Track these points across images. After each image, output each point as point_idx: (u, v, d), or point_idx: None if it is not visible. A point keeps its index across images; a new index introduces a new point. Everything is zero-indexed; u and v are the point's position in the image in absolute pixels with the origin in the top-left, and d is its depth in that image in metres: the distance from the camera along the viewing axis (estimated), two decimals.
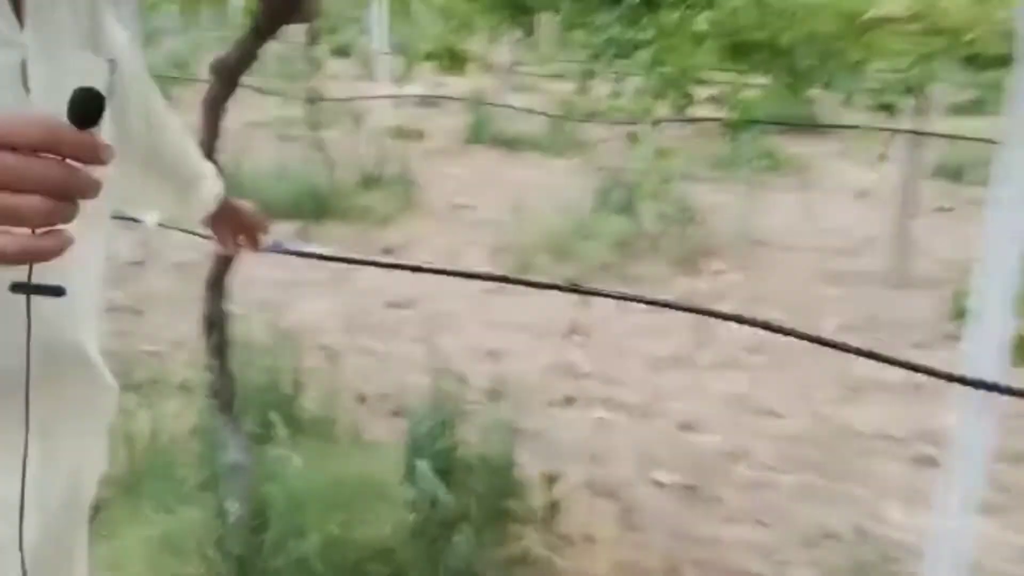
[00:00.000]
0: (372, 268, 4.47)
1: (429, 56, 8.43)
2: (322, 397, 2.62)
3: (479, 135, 8.18)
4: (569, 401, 3.18)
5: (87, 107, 0.51)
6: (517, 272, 4.45)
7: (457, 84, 11.08)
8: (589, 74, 8.00)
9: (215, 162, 1.67)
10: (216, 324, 1.79)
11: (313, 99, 5.36)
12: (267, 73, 11.51)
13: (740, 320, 1.70)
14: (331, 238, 4.86)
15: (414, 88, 11.05)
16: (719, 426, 3.07)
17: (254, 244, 1.49)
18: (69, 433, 0.84)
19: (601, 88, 7.14)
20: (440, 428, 2.12)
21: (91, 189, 0.53)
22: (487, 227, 5.21)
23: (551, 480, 2.26)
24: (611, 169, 5.42)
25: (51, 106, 0.62)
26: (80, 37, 0.81)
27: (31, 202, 0.49)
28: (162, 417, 2.30)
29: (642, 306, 4.14)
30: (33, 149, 0.50)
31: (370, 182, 5.61)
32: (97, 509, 2.01)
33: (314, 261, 4.43)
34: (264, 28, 1.50)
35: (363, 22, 11.77)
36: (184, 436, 2.16)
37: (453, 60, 8.14)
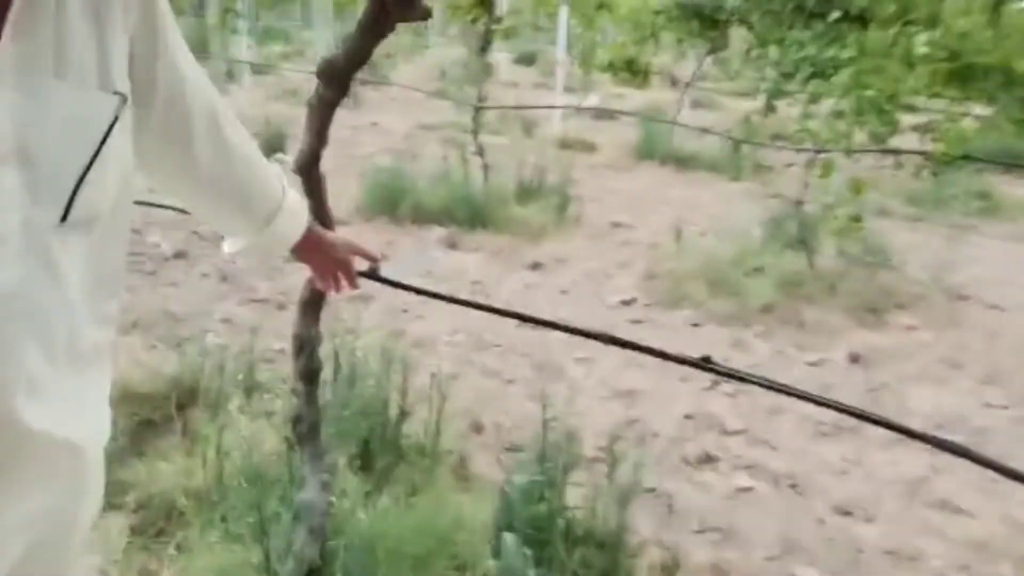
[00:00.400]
0: (517, 278, 4.30)
1: (609, 67, 8.22)
2: (432, 423, 2.44)
3: (651, 151, 7.83)
4: (707, 461, 2.80)
5: None
6: (669, 303, 4.10)
7: (636, 97, 10.81)
8: (777, 93, 7.42)
9: (316, 174, 1.51)
10: (306, 347, 1.64)
11: (480, 105, 5.26)
12: (448, 79, 11.84)
13: (814, 400, 1.31)
14: (480, 247, 4.74)
15: (591, 99, 10.89)
16: (884, 516, 2.59)
17: (349, 281, 1.32)
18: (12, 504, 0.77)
19: (789, 109, 6.57)
20: (541, 487, 1.86)
21: None
22: (643, 249, 4.88)
23: (671, 570, 1.94)
24: (789, 198, 4.91)
25: (17, 141, 0.68)
26: (82, 70, 0.75)
27: None
28: (263, 428, 2.21)
29: (806, 355, 3.67)
30: None
31: (528, 193, 5.44)
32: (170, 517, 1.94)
33: (453, 269, 4.32)
34: (373, 27, 1.31)
35: (551, 31, 11.76)
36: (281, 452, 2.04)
37: (633, 72, 7.86)
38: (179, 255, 4.34)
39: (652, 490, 2.57)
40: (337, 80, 1.41)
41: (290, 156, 5.54)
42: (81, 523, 0.90)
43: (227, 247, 1.15)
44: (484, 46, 5.24)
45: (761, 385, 1.27)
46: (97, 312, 0.83)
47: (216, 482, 1.84)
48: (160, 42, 0.86)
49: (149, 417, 2.47)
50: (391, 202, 5.09)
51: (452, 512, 1.95)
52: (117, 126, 0.77)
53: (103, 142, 0.75)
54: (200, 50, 8.60)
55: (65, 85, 0.73)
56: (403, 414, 2.30)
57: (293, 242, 1.16)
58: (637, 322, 3.88)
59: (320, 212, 1.54)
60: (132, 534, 1.91)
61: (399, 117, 8.98)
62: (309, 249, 1.22)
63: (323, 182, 1.54)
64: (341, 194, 5.48)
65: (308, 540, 1.55)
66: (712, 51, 8.84)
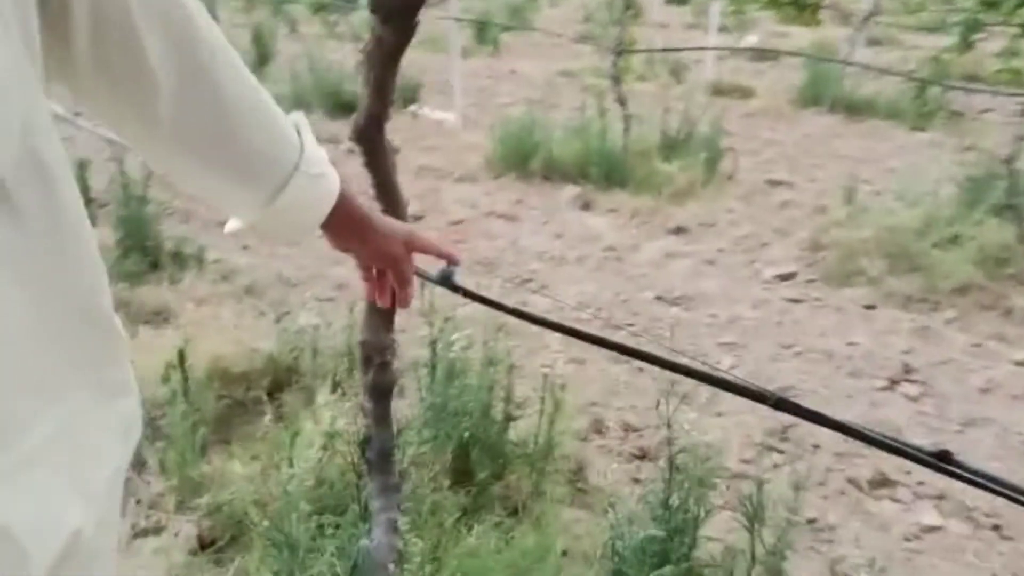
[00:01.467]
0: (657, 245, 3.84)
1: (771, 2, 7.36)
2: (544, 425, 2.08)
3: (818, 95, 6.95)
4: (882, 486, 2.29)
5: None
6: (837, 278, 3.50)
7: (801, 35, 9.73)
8: (975, 26, 6.33)
9: (379, 142, 1.16)
10: (375, 357, 1.32)
11: (620, 50, 4.74)
12: (594, 21, 11.19)
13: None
14: (616, 208, 4.28)
15: (750, 39, 9.92)
16: None
17: (399, 285, 0.95)
18: None
19: (988, 45, 5.53)
20: (663, 544, 1.47)
21: None
22: (806, 212, 4.25)
23: None
24: (991, 152, 4.10)
25: None
26: None
27: None
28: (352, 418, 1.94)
29: (1013, 351, 3.00)
30: None
31: (673, 146, 4.89)
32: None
33: (585, 233, 3.91)
34: None
35: None
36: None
37: (799, 7, 6.99)
38: None
39: (812, 522, 2.11)
40: (398, 17, 1.04)
41: (427, 108, 5.23)
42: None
43: (228, 226, 0.82)
44: None
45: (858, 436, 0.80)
46: (45, 363, 0.53)
47: (283, 500, 1.58)
48: None
49: (240, 399, 2.27)
50: (522, 157, 4.71)
51: (548, 547, 1.60)
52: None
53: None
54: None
55: None
56: (508, 416, 1.96)
57: (315, 221, 0.81)
58: (795, 301, 3.32)
59: (387, 193, 1.19)
60: (198, 548, 1.70)
61: (540, 64, 8.52)
62: (349, 235, 0.86)
63: (390, 154, 1.18)
64: (471, 148, 5.18)
65: None
66: None
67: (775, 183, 4.75)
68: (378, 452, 1.37)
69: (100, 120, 0.70)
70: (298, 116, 0.83)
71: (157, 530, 1.83)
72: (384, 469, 1.37)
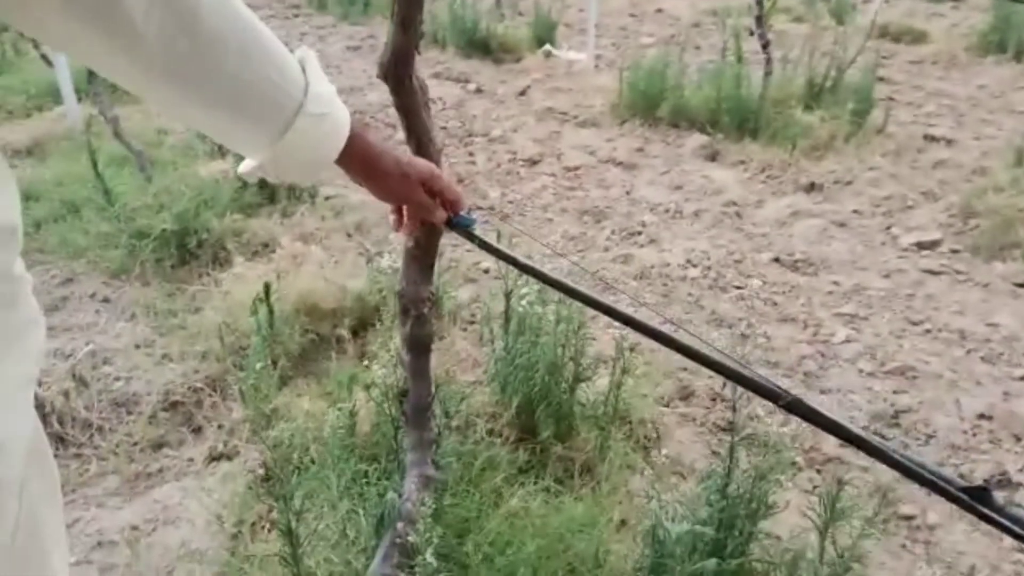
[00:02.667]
0: (784, 203, 3.57)
1: None
2: (624, 388, 1.98)
3: (1002, 40, 6.15)
4: (1004, 486, 2.03)
5: None
6: (987, 251, 3.11)
7: None
8: None
9: (407, 80, 1.09)
10: (412, 309, 1.28)
11: None
12: None
13: None
14: (745, 160, 4.00)
15: None
16: None
17: (412, 223, 0.94)
18: None
19: None
20: (720, 508, 1.35)
21: None
22: (962, 174, 3.80)
23: None
24: None
25: None
26: None
27: None
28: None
29: None
30: None
31: (819, 95, 4.48)
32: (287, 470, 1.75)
33: (707, 186, 3.69)
34: None
35: None
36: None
37: None
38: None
39: (909, 519, 1.91)
40: None
41: (563, 50, 5.07)
42: None
43: (241, 166, 0.82)
44: None
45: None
46: None
47: (333, 440, 1.60)
48: None
49: (325, 335, 2.32)
50: (650, 102, 4.48)
51: (623, 508, 1.52)
52: None
53: None
54: None
55: None
56: (578, 376, 1.88)
57: (325, 160, 0.80)
58: (933, 273, 2.99)
59: (415, 130, 1.13)
60: (263, 478, 1.77)
61: (689, 1, 8.06)
62: (362, 173, 0.85)
63: (420, 91, 1.11)
64: (599, 91, 4.99)
65: (388, 553, 1.23)
66: None
67: (933, 139, 4.27)
68: (414, 406, 1.34)
69: (74, 57, 0.68)
70: (304, 52, 0.79)
71: (230, 456, 1.92)
72: (419, 423, 1.34)
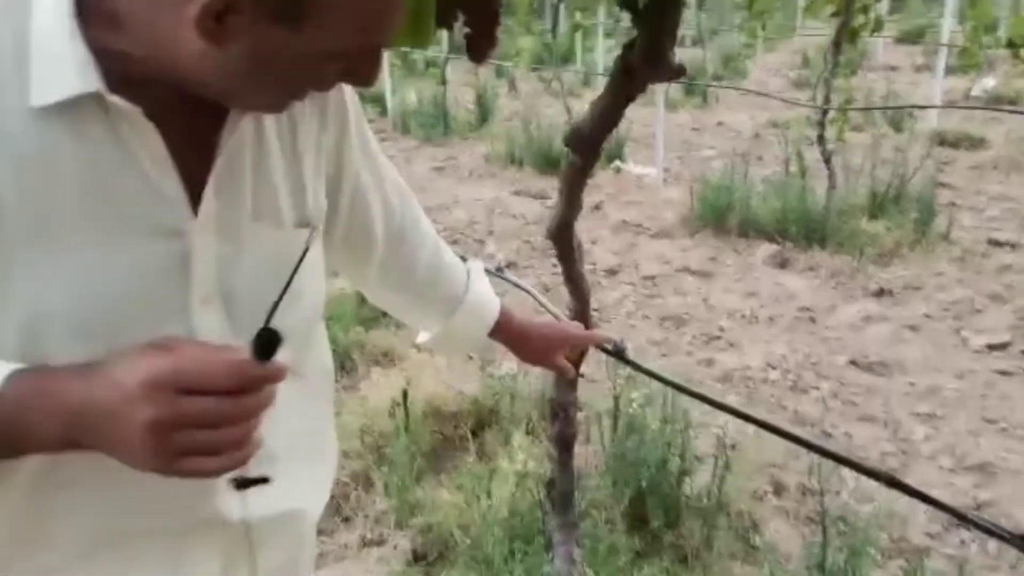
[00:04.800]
0: (856, 308, 3.80)
1: (1009, 45, 6.89)
2: (723, 480, 2.22)
3: None
4: None
5: (268, 346, 0.61)
6: None
7: None
8: None
9: (568, 239, 1.43)
10: (561, 412, 1.58)
11: (826, 107, 4.73)
12: (812, 66, 10.91)
13: None
14: (815, 268, 4.27)
15: (985, 83, 9.21)
16: None
17: (561, 370, 1.26)
18: None
19: None
20: None
21: (270, 403, 0.64)
22: None
23: None
24: None
25: (219, 285, 0.73)
26: (279, 209, 0.78)
27: (230, 435, 0.62)
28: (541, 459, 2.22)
29: None
30: (223, 390, 0.60)
31: (883, 203, 4.76)
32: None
33: (780, 292, 3.95)
34: (621, 91, 1.19)
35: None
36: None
37: None
38: (509, 265, 4.60)
39: None
40: (587, 146, 1.31)
41: (631, 165, 5.50)
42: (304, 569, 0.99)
43: (419, 338, 1.18)
44: (838, 38, 4.67)
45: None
46: (307, 405, 0.89)
47: (483, 526, 1.88)
48: (347, 155, 0.88)
49: (449, 435, 2.63)
50: (719, 213, 4.83)
51: None
52: (308, 256, 0.78)
53: (294, 273, 0.76)
54: (558, 62, 9.01)
55: (261, 225, 0.76)
56: (683, 471, 2.13)
57: (479, 336, 1.14)
58: (1005, 374, 3.16)
59: (573, 281, 1.47)
60: (413, 560, 2.05)
61: (749, 114, 8.52)
62: (510, 344, 1.18)
63: (577, 249, 1.45)
64: (669, 204, 5.37)
65: None
66: None
67: (996, 244, 4.47)
68: (560, 494, 1.63)
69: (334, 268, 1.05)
70: (474, 264, 1.17)
71: (380, 542, 2.21)
72: (564, 509, 1.62)
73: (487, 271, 1.19)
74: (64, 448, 0.64)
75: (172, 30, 0.59)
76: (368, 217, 0.93)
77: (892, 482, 1.04)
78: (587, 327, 1.46)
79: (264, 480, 0.75)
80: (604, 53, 11.52)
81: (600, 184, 6.15)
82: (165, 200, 0.68)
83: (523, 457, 2.14)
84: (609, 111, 1.26)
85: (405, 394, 2.40)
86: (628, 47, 1.13)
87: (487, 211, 5.57)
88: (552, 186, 6.22)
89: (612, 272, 4.42)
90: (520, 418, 2.60)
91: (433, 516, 2.12)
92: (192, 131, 0.69)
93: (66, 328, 0.66)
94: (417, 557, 2.06)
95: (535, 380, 2.80)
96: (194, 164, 0.69)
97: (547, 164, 6.52)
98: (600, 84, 10.51)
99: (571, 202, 1.39)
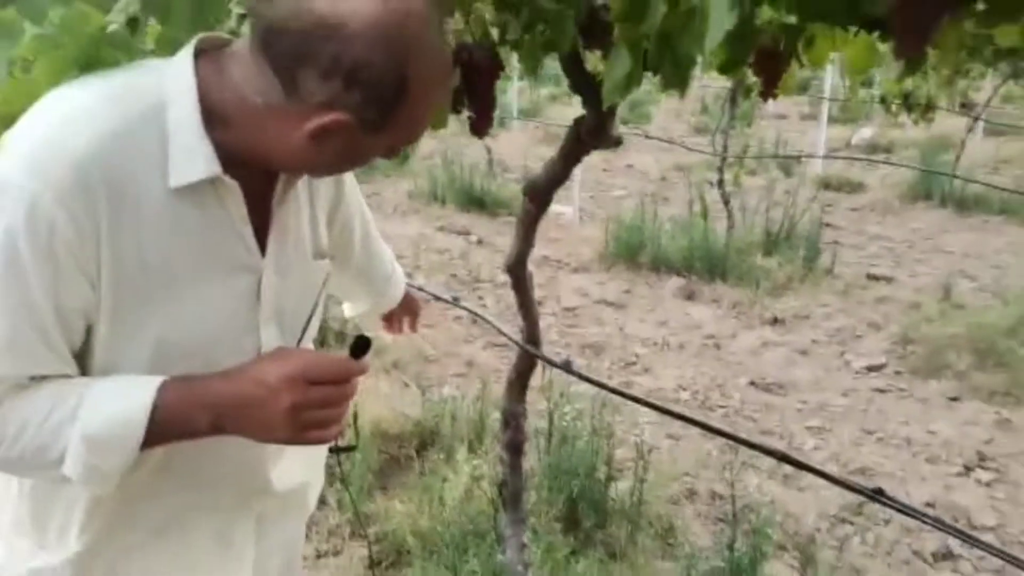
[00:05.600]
0: (754, 335, 4.21)
1: (881, 102, 7.66)
2: (644, 487, 2.51)
3: (928, 189, 7.12)
4: (946, 558, 2.56)
5: (362, 348, 0.87)
6: (925, 371, 3.76)
7: (920, 126, 9.84)
8: None
9: (522, 273, 1.71)
10: (512, 420, 1.83)
11: (723, 155, 5.23)
12: (710, 113, 11.70)
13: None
14: (718, 299, 4.69)
15: (864, 132, 10.15)
16: None
17: (412, 327, 1.58)
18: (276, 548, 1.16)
19: None
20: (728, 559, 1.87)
21: (357, 390, 0.89)
22: (902, 307, 4.51)
23: None
24: None
25: (275, 307, 0.96)
26: (306, 246, 1.02)
27: (337, 413, 0.87)
28: (484, 471, 2.45)
29: None
30: (335, 381, 0.85)
31: (775, 241, 5.27)
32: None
33: (688, 322, 4.33)
34: (570, 154, 1.48)
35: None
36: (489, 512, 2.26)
37: (909, 108, 7.27)
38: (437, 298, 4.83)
39: None
40: (540, 197, 1.59)
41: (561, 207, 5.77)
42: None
43: (348, 310, 1.48)
44: (734, 94, 5.20)
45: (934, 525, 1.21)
46: None
47: (435, 530, 2.10)
48: (342, 198, 1.15)
49: (395, 455, 2.83)
50: (632, 250, 5.22)
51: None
52: (327, 281, 1.06)
53: (319, 294, 1.05)
54: None
55: (297, 259, 0.99)
56: (609, 477, 2.41)
57: (396, 303, 1.48)
58: (882, 391, 3.61)
59: (526, 306, 1.74)
60: (370, 565, 2.24)
61: (655, 157, 9.09)
62: (405, 304, 1.52)
63: (528, 280, 1.73)
64: (586, 241, 5.74)
65: None
66: (1015, 76, 7.84)
67: (874, 278, 5.03)
68: (511, 493, 1.87)
69: None
70: (389, 250, 1.45)
71: (336, 552, 2.38)
72: (515, 506, 1.86)
73: (441, 299, 1.50)
74: (209, 434, 0.86)
75: (278, 134, 0.81)
76: (351, 234, 1.20)
77: (784, 458, 1.34)
78: (537, 346, 1.74)
79: (352, 448, 1.10)
80: (517, 96, 12.03)
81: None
82: (246, 247, 0.91)
83: (468, 469, 2.37)
84: (559, 170, 1.55)
85: (355, 415, 2.60)
86: (578, 121, 1.42)
87: (413, 246, 5.79)
88: (474, 222, 6.52)
89: (536, 304, 4.71)
90: (461, 436, 2.83)
91: (387, 525, 2.32)
92: (258, 194, 0.92)
93: (182, 347, 0.88)
94: (374, 563, 2.26)
95: (472, 402, 3.04)
96: (260, 220, 0.92)
97: (469, 201, 6.81)
98: (515, 126, 11.00)
99: (526, 241, 1.67)
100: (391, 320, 1.53)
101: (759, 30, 0.85)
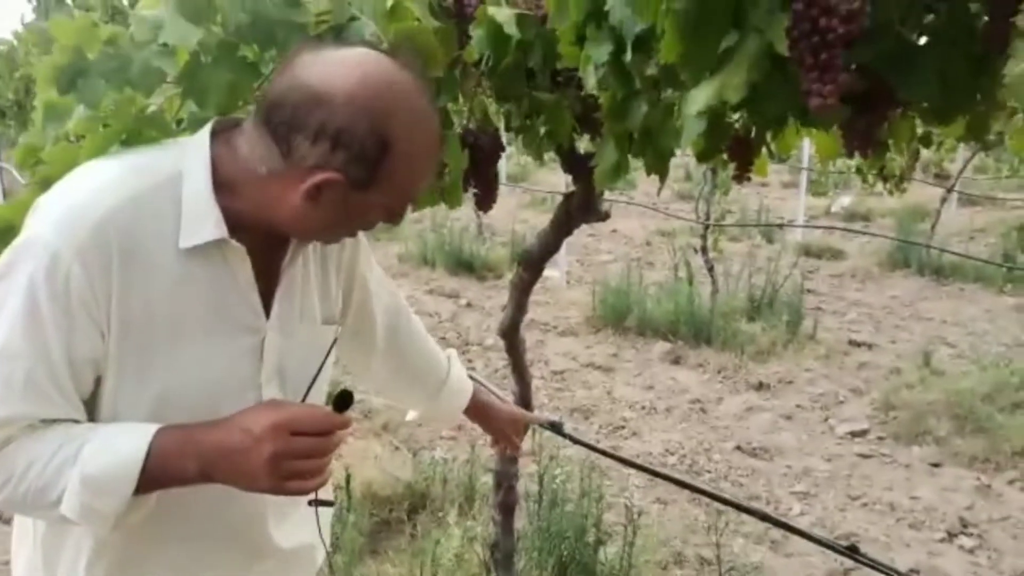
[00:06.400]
0: (740, 399, 4.28)
1: (857, 172, 7.90)
2: (633, 551, 2.54)
3: (907, 258, 7.30)
4: None
5: (345, 402, 0.91)
6: (906, 437, 3.83)
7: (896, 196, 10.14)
8: None
9: (515, 338, 1.78)
10: (504, 482, 1.88)
11: (706, 223, 5.38)
12: (694, 180, 11.98)
13: None
14: (703, 364, 4.77)
15: (842, 200, 10.43)
16: None
17: (511, 447, 1.55)
18: None
19: None
20: None
21: (341, 443, 0.93)
22: (883, 373, 4.60)
23: None
24: None
25: (278, 366, 1.00)
26: (315, 311, 1.07)
27: (318, 464, 0.90)
28: (477, 533, 2.48)
29: None
30: (318, 433, 0.88)
31: (759, 307, 5.38)
32: None
33: (674, 386, 4.40)
34: (561, 227, 1.57)
35: None
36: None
37: (884, 178, 7.50)
38: None
39: None
40: (533, 266, 1.69)
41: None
42: None
43: (408, 416, 1.49)
44: (715, 166, 5.38)
45: None
46: None
47: None
48: (358, 271, 1.20)
49: (386, 518, 2.85)
50: (619, 315, 5.31)
51: None
52: (335, 344, 1.09)
53: (326, 357, 1.08)
54: None
55: (305, 323, 1.05)
56: (599, 540, 2.44)
57: (458, 412, 1.45)
58: (865, 457, 3.67)
59: (519, 370, 1.81)
60: None
61: (639, 222, 9.28)
62: (478, 416, 1.50)
63: (522, 345, 1.80)
64: (573, 304, 5.84)
65: None
66: (986, 148, 8.15)
67: (855, 344, 5.13)
68: (503, 554, 1.90)
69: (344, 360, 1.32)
70: (452, 352, 1.47)
71: None
72: (507, 567, 1.90)
73: None
74: (199, 481, 0.90)
75: (279, 197, 0.89)
76: (371, 314, 1.24)
77: (765, 517, 1.40)
78: (529, 408, 1.81)
79: (331, 503, 1.02)
80: (506, 161, 12.30)
81: (508, 285, 6.58)
82: (251, 307, 0.97)
83: (459, 531, 2.40)
84: (551, 240, 1.65)
85: (348, 478, 2.63)
86: (568, 197, 1.53)
87: None
88: (463, 286, 6.61)
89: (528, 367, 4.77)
90: (452, 499, 2.85)
91: None
92: (268, 261, 0.98)
93: (184, 400, 0.93)
94: None
95: (462, 466, 3.08)
96: (266, 283, 0.98)
97: (458, 265, 6.92)
98: (503, 191, 11.20)
99: (519, 307, 1.76)
100: (497, 440, 1.55)
101: (731, 124, 0.95)
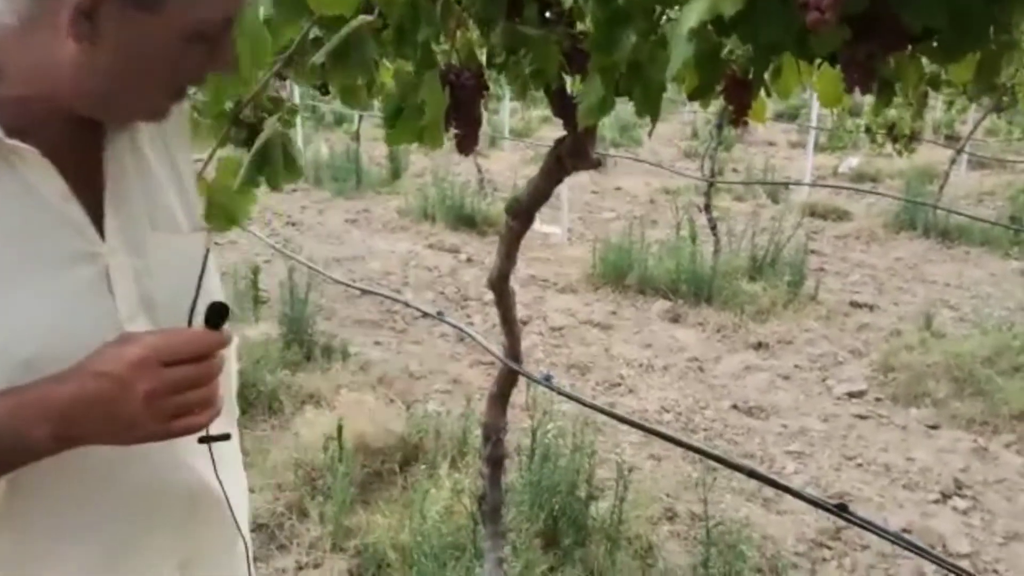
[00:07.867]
0: (738, 359, 4.26)
1: (867, 131, 7.78)
2: (624, 507, 2.53)
3: (913, 219, 7.22)
4: None
5: (218, 316, 0.74)
6: (904, 399, 3.81)
7: (905, 157, 10.00)
8: None
9: (505, 289, 1.74)
10: (492, 435, 1.86)
11: (710, 180, 5.30)
12: (700, 138, 11.83)
13: None
14: (703, 323, 4.74)
15: (850, 161, 10.29)
16: None
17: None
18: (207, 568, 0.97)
19: None
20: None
21: (223, 366, 0.76)
22: (883, 335, 4.56)
23: None
24: None
25: (139, 298, 0.80)
26: (175, 216, 0.86)
27: (204, 394, 0.73)
28: (466, 486, 2.47)
29: None
30: (194, 359, 0.72)
31: (760, 267, 5.33)
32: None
33: (673, 344, 4.37)
34: (551, 174, 1.52)
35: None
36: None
37: (893, 138, 7.38)
38: (424, 314, 4.85)
39: None
40: (523, 214, 1.63)
41: (537, 223, 5.89)
42: None
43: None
44: (720, 120, 5.27)
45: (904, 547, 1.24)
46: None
47: (416, 543, 2.11)
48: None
49: (378, 470, 2.84)
50: (619, 271, 5.27)
51: None
52: (209, 257, 0.87)
53: (202, 275, 0.85)
54: None
55: (161, 234, 0.84)
56: (590, 496, 2.43)
57: None
58: (862, 418, 3.65)
59: (508, 322, 1.77)
60: None
61: (643, 180, 9.18)
62: None
63: (511, 297, 1.76)
64: (574, 261, 5.79)
65: None
66: (997, 109, 8.00)
67: (856, 305, 5.09)
68: (490, 507, 1.89)
69: None
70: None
71: (316, 565, 2.39)
72: (494, 520, 1.88)
73: (427, 313, 1.43)
74: (56, 450, 0.71)
75: (47, 52, 0.68)
76: None
77: (752, 474, 1.37)
78: (519, 361, 1.77)
79: (226, 436, 0.82)
80: (509, 116, 12.15)
81: None
82: (74, 227, 0.76)
83: (450, 484, 2.39)
84: (542, 189, 1.59)
85: (340, 429, 2.61)
86: (559, 142, 1.47)
87: (402, 263, 5.83)
88: (464, 241, 6.56)
89: (522, 323, 4.74)
90: (445, 452, 2.85)
91: (368, 538, 2.33)
92: (82, 163, 0.77)
93: (23, 359, 0.71)
94: None
95: (457, 419, 3.06)
96: (91, 193, 0.77)
97: (459, 220, 6.85)
98: (506, 145, 11.10)
99: (508, 258, 1.70)
100: None
101: (726, 59, 0.89)
